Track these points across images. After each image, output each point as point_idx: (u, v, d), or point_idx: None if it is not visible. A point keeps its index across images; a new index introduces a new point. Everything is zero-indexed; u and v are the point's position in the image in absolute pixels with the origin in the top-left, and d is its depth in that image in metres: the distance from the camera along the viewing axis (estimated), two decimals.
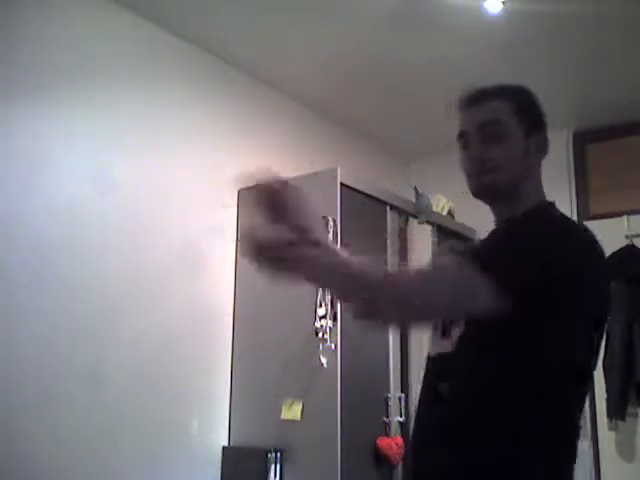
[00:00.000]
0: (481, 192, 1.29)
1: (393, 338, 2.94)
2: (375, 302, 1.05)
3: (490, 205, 1.33)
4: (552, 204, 1.29)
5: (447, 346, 1.25)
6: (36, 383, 2.19)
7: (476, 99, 1.30)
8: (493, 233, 1.31)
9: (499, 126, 1.25)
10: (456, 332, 1.24)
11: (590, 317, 1.18)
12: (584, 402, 1.25)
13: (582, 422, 1.24)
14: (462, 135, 1.30)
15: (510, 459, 1.11)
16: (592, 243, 1.20)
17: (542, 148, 1.30)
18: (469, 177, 1.29)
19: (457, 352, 1.21)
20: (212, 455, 2.79)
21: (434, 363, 1.29)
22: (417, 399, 1.33)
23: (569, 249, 1.14)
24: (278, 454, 2.63)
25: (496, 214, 1.33)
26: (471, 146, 1.27)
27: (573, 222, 1.28)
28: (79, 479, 2.27)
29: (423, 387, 1.32)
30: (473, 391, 1.17)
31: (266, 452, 2.63)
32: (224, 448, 2.82)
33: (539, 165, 1.31)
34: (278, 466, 2.63)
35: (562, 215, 1.26)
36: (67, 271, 2.33)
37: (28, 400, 2.16)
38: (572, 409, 1.19)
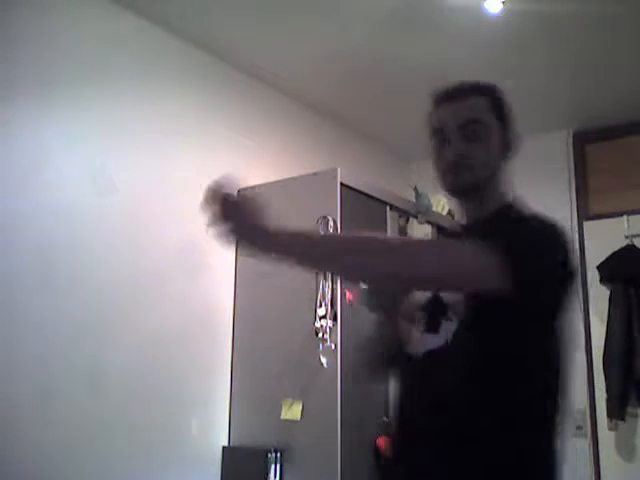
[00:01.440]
0: (460, 189, 1.28)
1: None
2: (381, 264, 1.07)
3: (464, 201, 1.32)
4: (519, 199, 1.29)
5: (439, 342, 1.21)
6: (36, 383, 2.19)
7: (454, 95, 1.28)
8: (473, 228, 1.30)
9: (480, 123, 1.24)
10: (447, 327, 1.20)
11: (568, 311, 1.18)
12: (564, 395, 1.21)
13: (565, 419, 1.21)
14: (439, 132, 1.27)
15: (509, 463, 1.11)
16: (565, 237, 1.20)
17: (515, 145, 1.29)
18: (445, 173, 1.27)
19: (455, 349, 1.18)
20: (212, 455, 2.79)
21: (423, 361, 1.24)
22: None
23: (555, 247, 1.15)
24: (278, 454, 2.63)
25: (466, 209, 1.32)
26: (452, 143, 1.25)
27: (544, 217, 1.24)
28: (79, 479, 2.27)
29: (408, 387, 1.28)
30: (478, 391, 1.14)
31: (266, 452, 2.63)
32: (224, 448, 2.82)
33: (507, 163, 1.30)
34: (278, 466, 2.62)
35: (532, 211, 1.26)
36: (67, 271, 2.33)
37: (28, 400, 2.16)
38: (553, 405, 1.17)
